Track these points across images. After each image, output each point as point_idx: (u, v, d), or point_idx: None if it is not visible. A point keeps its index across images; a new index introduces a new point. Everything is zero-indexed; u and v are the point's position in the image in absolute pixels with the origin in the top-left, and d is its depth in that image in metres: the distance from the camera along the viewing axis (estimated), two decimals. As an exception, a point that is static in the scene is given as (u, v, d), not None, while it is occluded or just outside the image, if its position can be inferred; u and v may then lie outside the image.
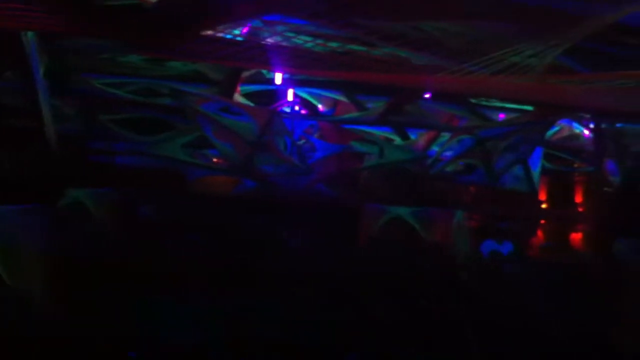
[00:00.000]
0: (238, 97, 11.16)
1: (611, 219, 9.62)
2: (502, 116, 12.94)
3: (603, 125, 10.84)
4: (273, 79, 10.98)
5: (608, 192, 10.59)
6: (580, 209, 14.52)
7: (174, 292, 7.22)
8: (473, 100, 12.48)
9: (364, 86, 12.05)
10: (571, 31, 5.56)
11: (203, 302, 7.51)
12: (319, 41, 7.63)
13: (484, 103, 12.60)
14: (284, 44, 8.02)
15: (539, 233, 15.59)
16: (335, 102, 13.12)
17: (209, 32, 8.36)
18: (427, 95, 11.98)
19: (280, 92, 12.00)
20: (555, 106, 9.13)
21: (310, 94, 12.85)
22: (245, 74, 11.51)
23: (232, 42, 8.69)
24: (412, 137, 13.14)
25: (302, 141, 12.50)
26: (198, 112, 10.36)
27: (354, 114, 12.01)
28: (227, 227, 10.08)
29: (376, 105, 12.50)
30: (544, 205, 15.31)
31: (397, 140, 13.18)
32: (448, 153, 11.79)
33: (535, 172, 12.55)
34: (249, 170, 10.71)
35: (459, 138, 11.35)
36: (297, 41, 7.64)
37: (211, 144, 11.00)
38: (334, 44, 7.58)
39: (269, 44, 8.19)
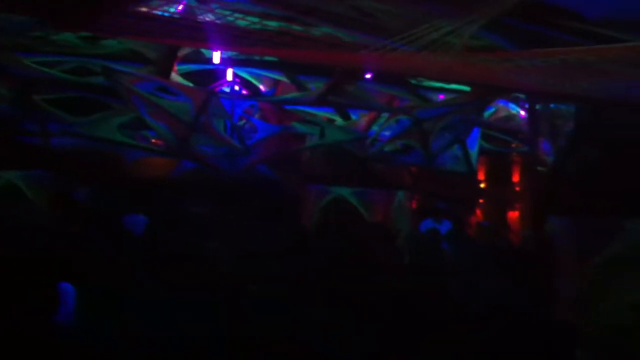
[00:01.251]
0: (176, 77, 10.98)
1: (544, 198, 9.84)
2: (442, 97, 13.08)
3: (537, 106, 11.05)
4: (212, 59, 10.82)
5: (542, 172, 10.84)
6: (517, 189, 14.87)
7: (103, 279, 7.06)
8: (413, 81, 12.57)
9: (304, 66, 12.00)
10: (486, 7, 5.61)
11: (136, 288, 7.38)
12: (254, 19, 7.52)
13: (425, 84, 12.70)
14: (219, 22, 7.88)
15: (478, 212, 15.91)
16: (276, 83, 13.04)
17: (143, 10, 8.15)
18: (368, 76, 12.00)
19: (219, 72, 11.85)
20: (477, 84, 9.24)
21: (250, 74, 12.73)
22: (184, 52, 11.32)
23: (167, 20, 8.49)
24: (354, 117, 13.19)
25: (243, 122, 12.41)
26: (132, 91, 10.15)
27: (294, 94, 11.96)
28: (163, 210, 9.94)
29: (317, 86, 12.48)
30: (482, 185, 15.63)
31: (339, 120, 13.21)
32: (387, 133, 11.87)
33: (473, 153, 12.76)
34: (186, 151, 10.57)
35: (397, 118, 11.43)
36: (232, 19, 7.52)
37: (147, 125, 10.80)
38: (269, 23, 7.49)
39: (204, 21, 8.04)
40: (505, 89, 8.66)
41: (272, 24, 7.35)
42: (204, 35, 8.09)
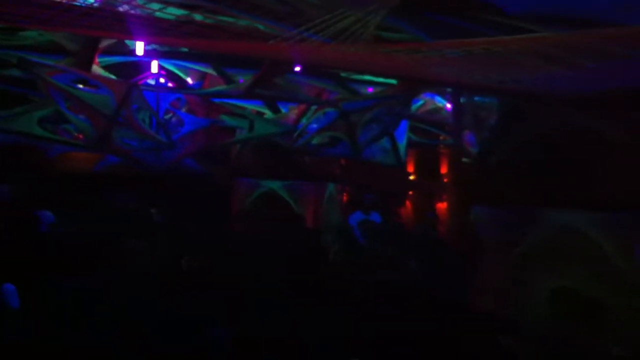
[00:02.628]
0: (97, 69, 10.68)
1: (468, 189, 10.01)
2: (370, 90, 13.15)
3: (462, 99, 11.22)
4: (135, 50, 10.56)
5: (466, 163, 11.03)
6: (444, 180, 15.12)
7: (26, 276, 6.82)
8: (343, 74, 12.59)
9: (232, 59, 11.86)
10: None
11: (58, 284, 7.17)
12: (175, 11, 7.37)
13: (354, 77, 12.74)
14: (139, 13, 7.69)
15: (407, 203, 16.12)
16: (204, 75, 12.86)
17: (62, 0, 7.88)
18: (297, 69, 11.94)
19: (144, 64, 11.59)
20: (386, 74, 9.30)
21: (177, 66, 12.50)
22: (106, 44, 11.02)
23: (86, 11, 8.22)
24: (284, 110, 13.13)
25: (169, 115, 12.19)
26: (50, 84, 9.81)
27: (222, 87, 11.80)
28: (84, 204, 9.70)
29: (247, 78, 12.36)
30: (411, 177, 15.83)
31: (269, 114, 13.13)
32: (315, 126, 11.86)
33: (402, 145, 12.88)
34: (108, 145, 10.30)
35: (325, 111, 11.43)
36: (152, 10, 7.34)
37: (67, 118, 10.47)
38: (190, 14, 7.35)
39: (124, 12, 7.82)
40: (414, 79, 8.71)
41: (185, 15, 7.21)
42: (124, 27, 7.89)
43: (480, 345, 7.06)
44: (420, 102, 13.53)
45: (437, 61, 5.54)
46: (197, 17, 7.64)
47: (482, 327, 7.60)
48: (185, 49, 11.59)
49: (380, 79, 12.30)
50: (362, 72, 10.12)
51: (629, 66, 5.42)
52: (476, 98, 11.00)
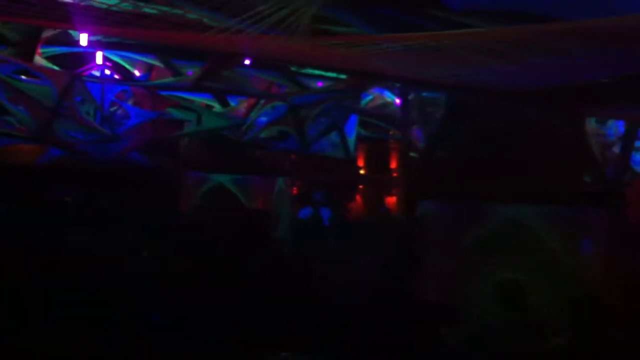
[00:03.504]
0: (40, 60, 10.40)
1: (416, 183, 10.09)
2: (320, 84, 13.15)
3: (409, 94, 11.31)
4: (79, 41, 10.31)
5: (414, 158, 11.13)
6: (393, 174, 15.25)
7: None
8: (293, 68, 12.55)
9: (180, 50, 11.68)
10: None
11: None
12: (117, 2, 7.20)
13: (303, 71, 12.71)
14: (83, 2, 7.49)
15: (358, 198, 16.21)
16: (151, 67, 12.65)
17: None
18: (246, 62, 11.85)
19: (89, 55, 11.33)
20: (326, 67, 9.27)
21: (123, 57, 12.26)
22: (49, 34, 10.74)
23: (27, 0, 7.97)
24: (233, 104, 13.03)
25: (115, 107, 11.96)
26: (-12, 74, 9.52)
27: (169, 79, 11.63)
28: (24, 197, 9.45)
29: (195, 71, 12.20)
30: (361, 171, 15.93)
31: (217, 107, 13.01)
32: (263, 119, 11.81)
33: (351, 139, 12.92)
34: (49, 137, 10.05)
35: (273, 105, 11.38)
36: (96, 0, 7.16)
37: (7, 110, 10.18)
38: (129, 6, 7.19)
39: (67, 2, 7.61)
40: (354, 73, 8.69)
41: (129, 7, 7.05)
42: (67, 17, 7.69)
43: (424, 337, 7.12)
44: (370, 97, 13.59)
45: (376, 55, 5.54)
46: (142, 8, 7.50)
47: (427, 319, 7.67)
48: (131, 41, 11.38)
49: (331, 74, 12.31)
50: (302, 65, 10.07)
51: (571, 62, 5.51)
52: (424, 93, 11.09)
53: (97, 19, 6.84)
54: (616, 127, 12.54)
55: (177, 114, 12.29)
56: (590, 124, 12.06)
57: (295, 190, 15.19)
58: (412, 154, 11.31)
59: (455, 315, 8.26)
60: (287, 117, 10.99)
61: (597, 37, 4.87)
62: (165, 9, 6.20)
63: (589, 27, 4.58)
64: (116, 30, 7.58)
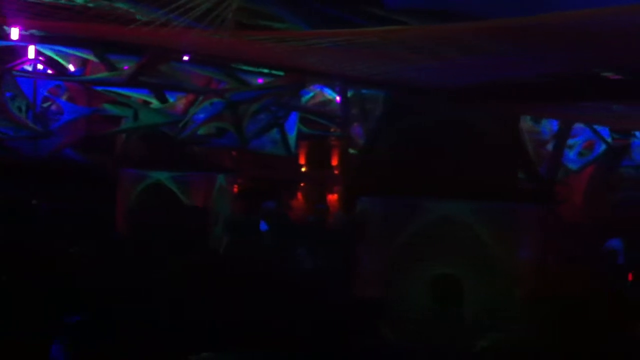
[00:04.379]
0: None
1: (355, 180, 10.13)
2: (260, 81, 13.06)
3: (349, 91, 11.32)
4: (9, 34, 10.00)
5: (353, 155, 11.16)
6: (335, 172, 15.29)
7: None
8: (233, 65, 12.43)
9: (116, 45, 11.44)
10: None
11: None
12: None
13: (244, 67, 12.60)
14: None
15: (299, 195, 16.20)
16: (85, 62, 12.37)
17: None
18: (185, 57, 11.69)
19: (20, 49, 11.01)
20: (253, 62, 9.22)
21: (57, 52, 11.95)
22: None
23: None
24: (171, 100, 12.83)
25: (48, 103, 11.66)
26: None
27: (103, 74, 11.38)
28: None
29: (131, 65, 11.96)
30: (302, 168, 15.92)
31: (155, 103, 12.80)
32: (201, 116, 11.67)
33: (292, 136, 12.88)
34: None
35: (211, 101, 11.25)
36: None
37: None
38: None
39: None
40: (283, 69, 8.67)
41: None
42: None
43: (360, 333, 7.14)
44: (311, 94, 13.57)
45: (305, 51, 5.52)
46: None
47: (363, 315, 7.70)
48: (65, 34, 11.10)
49: (273, 71, 12.22)
50: (230, 60, 9.98)
51: (499, 59, 5.59)
52: (364, 90, 11.11)
53: (19, 11, 6.64)
54: (550, 125, 12.83)
55: (113, 110, 12.06)
56: (526, 122, 12.32)
57: (236, 188, 15.09)
58: (351, 152, 11.34)
59: (391, 310, 8.33)
60: (224, 114, 10.87)
61: (522, 36, 4.94)
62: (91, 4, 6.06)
63: (513, 25, 4.65)
64: (36, 23, 7.37)
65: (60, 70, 12.26)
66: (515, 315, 8.57)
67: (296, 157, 14.77)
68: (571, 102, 7.93)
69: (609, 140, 14.49)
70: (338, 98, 13.40)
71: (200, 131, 11.49)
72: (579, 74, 6.77)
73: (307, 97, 13.62)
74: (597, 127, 14.10)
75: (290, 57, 6.20)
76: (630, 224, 13.31)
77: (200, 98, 11.75)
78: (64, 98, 11.87)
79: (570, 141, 14.00)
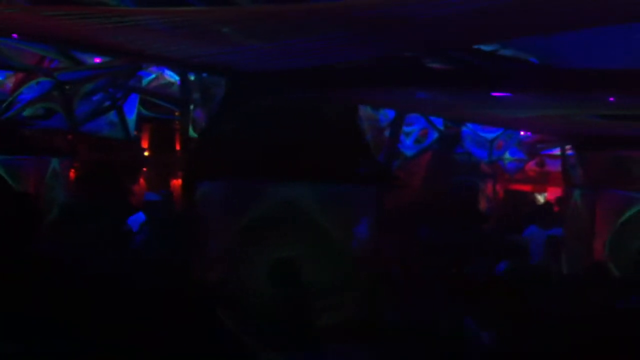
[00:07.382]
0: None
1: (195, 164, 9.96)
2: (97, 60, 12.49)
3: (190, 75, 11.12)
4: None
5: (193, 138, 11.00)
6: (177, 155, 14.98)
7: None
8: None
9: None
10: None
11: None
12: None
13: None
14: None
15: (142, 180, 15.71)
16: None
17: None
18: (14, 35, 10.89)
19: None
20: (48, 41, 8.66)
21: None
22: None
23: None
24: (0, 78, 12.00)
25: None
26: None
27: None
28: None
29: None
30: (144, 152, 15.45)
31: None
32: (28, 96, 10.97)
33: (131, 119, 12.46)
34: None
35: (37, 80, 10.60)
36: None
37: None
38: None
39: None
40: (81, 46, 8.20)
41: None
42: None
43: (199, 319, 7.04)
44: (152, 76, 13.19)
45: (118, 29, 5.27)
46: None
47: (202, 300, 7.59)
48: None
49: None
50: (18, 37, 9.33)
51: (327, 43, 5.65)
52: (204, 73, 10.94)
53: None
54: (386, 113, 13.35)
55: None
56: (366, 110, 12.71)
57: (72, 173, 14.35)
58: (192, 135, 11.14)
59: (231, 296, 8.28)
60: (53, 94, 10.27)
61: (344, 19, 5.00)
62: None
63: (334, 7, 4.69)
64: None
65: None
66: (354, 294, 8.83)
67: (138, 141, 14.30)
68: (401, 88, 8.23)
69: (442, 128, 15.33)
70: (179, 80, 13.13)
71: (27, 112, 10.78)
72: (405, 62, 7.03)
73: (149, 79, 13.22)
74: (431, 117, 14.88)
75: (96, 36, 5.88)
76: (461, 206, 14.18)
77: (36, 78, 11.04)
78: None
79: (407, 129, 14.65)
